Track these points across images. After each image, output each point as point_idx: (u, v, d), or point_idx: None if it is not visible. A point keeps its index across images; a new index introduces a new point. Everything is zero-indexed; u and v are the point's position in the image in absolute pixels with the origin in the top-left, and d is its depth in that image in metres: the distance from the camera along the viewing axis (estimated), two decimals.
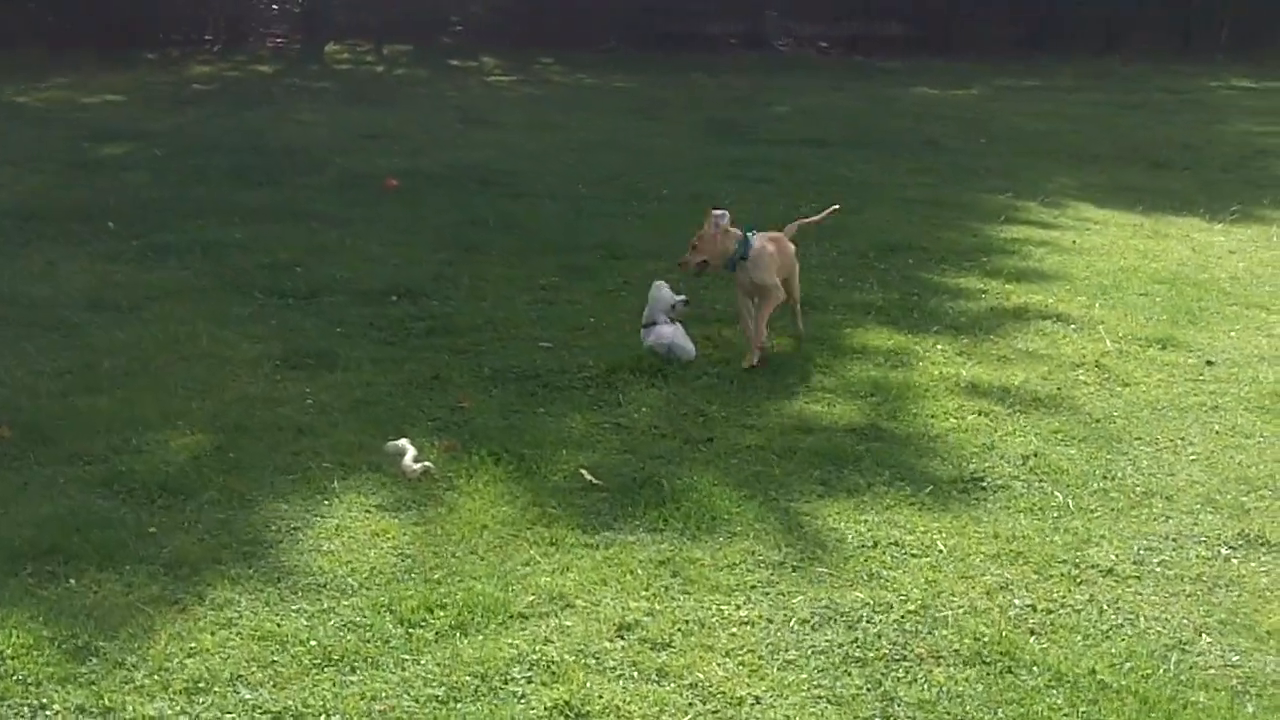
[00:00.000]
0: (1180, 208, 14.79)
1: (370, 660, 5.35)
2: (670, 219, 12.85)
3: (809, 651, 5.45)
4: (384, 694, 5.08)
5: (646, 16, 29.11)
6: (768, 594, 5.93)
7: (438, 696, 5.09)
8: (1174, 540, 6.23)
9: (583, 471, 7.04)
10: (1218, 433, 7.95)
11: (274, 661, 5.33)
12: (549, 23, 28.79)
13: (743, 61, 28.41)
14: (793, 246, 8.87)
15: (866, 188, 15.18)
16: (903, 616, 5.74)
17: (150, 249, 11.20)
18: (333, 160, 15.24)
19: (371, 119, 18.36)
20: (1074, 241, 12.80)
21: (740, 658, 5.41)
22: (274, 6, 28.83)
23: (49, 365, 8.42)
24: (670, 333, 8.71)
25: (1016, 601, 5.89)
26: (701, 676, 5.26)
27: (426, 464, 7.05)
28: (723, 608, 5.80)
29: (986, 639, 5.54)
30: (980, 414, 8.11)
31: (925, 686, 5.21)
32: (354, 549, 6.25)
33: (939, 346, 9.25)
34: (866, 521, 6.64)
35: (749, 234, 8.40)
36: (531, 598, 5.84)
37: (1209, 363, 9.08)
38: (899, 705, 5.10)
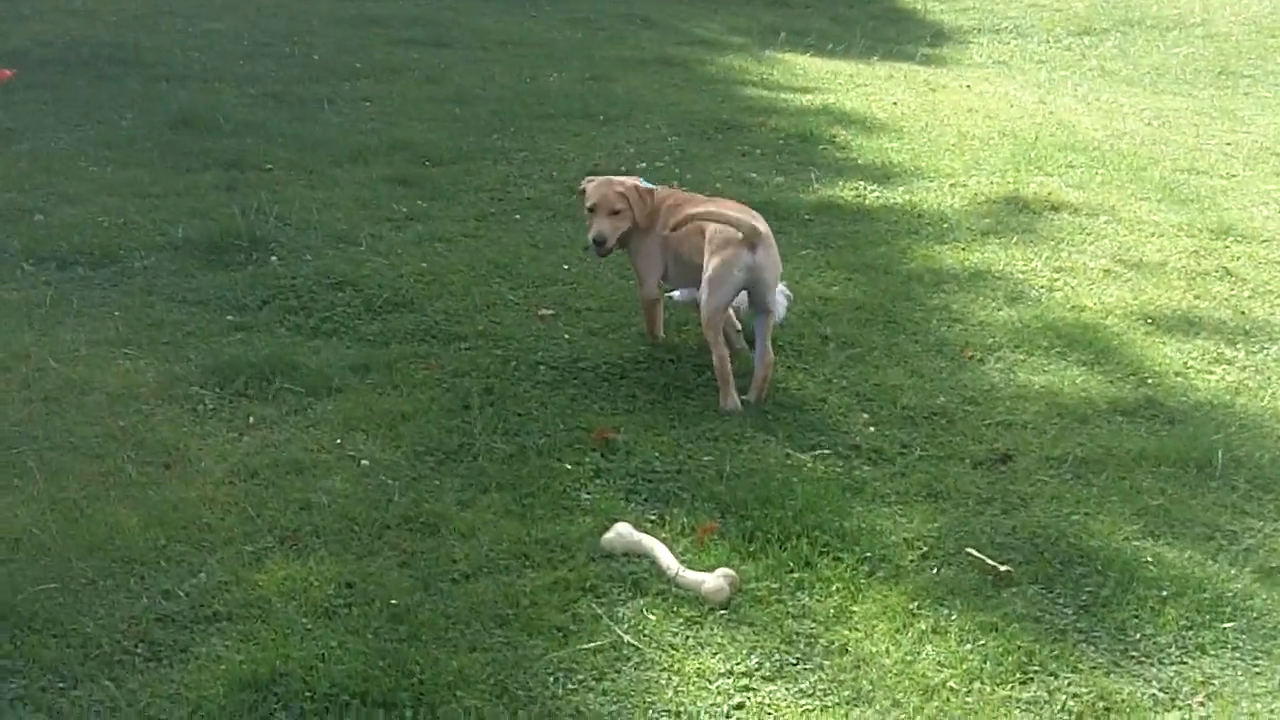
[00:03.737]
0: (881, 52, 13.55)
1: None
2: (414, 105, 10.38)
3: None
4: None
5: None
6: None
7: None
8: None
9: (970, 552, 4.39)
10: None
11: None
12: None
13: None
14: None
15: (563, 47, 12.62)
16: None
17: None
18: None
19: None
20: (894, 104, 11.01)
21: None
22: None
23: None
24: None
25: None
26: None
27: (728, 573, 4.18)
28: None
29: None
30: (1217, 361, 6.33)
31: None
32: None
33: (1023, 266, 7.32)
34: None
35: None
36: None
37: None
38: None
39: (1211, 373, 6.08)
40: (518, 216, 7.73)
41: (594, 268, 6.88)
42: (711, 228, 5.44)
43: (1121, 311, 6.64)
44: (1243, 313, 6.73)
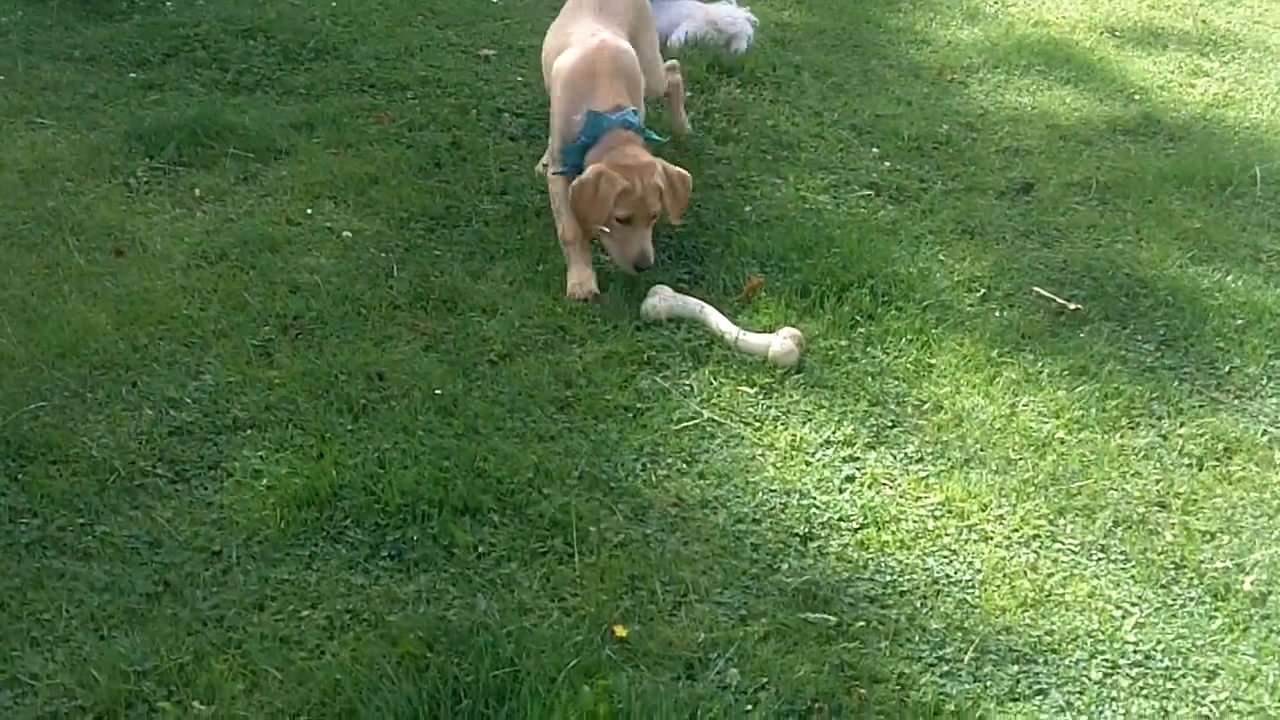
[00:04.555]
0: None
1: None
2: None
3: None
4: None
5: None
6: None
7: None
8: None
9: (1038, 291, 4.13)
10: None
11: None
12: None
13: None
14: None
15: None
16: None
17: None
18: None
19: None
20: None
21: None
22: None
23: None
24: (729, 13, 5.56)
25: None
26: None
27: (792, 332, 3.87)
28: None
29: None
30: (1195, 73, 6.33)
31: None
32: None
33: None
34: None
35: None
36: None
37: None
38: None
39: (1193, 85, 5.82)
40: None
41: (522, 1, 6.23)
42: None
43: (1086, 26, 6.31)
44: (1203, 21, 6.47)
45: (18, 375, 3.58)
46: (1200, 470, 3.53)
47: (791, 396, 3.70)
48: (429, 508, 3.20)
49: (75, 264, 4.09)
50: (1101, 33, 6.17)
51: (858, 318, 4.00)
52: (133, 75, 5.32)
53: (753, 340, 3.87)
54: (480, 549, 3.11)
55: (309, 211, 4.43)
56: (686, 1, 5.78)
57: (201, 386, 3.61)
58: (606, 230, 4.06)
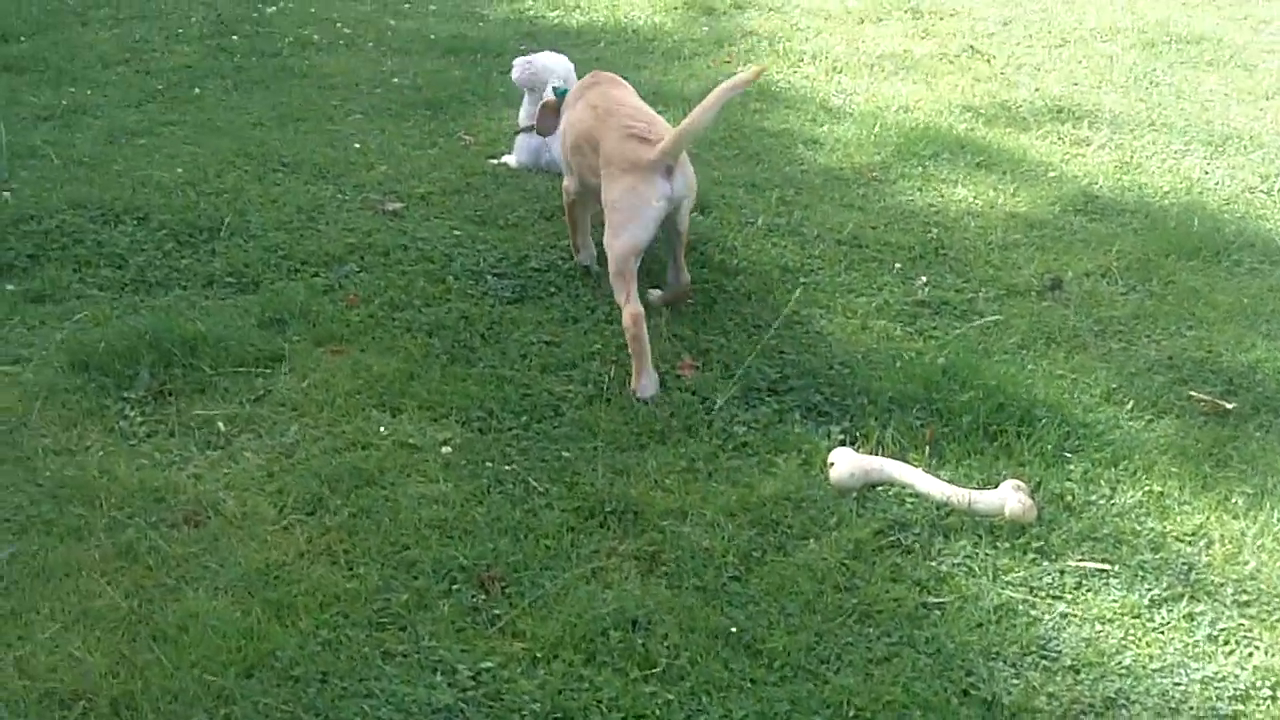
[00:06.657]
0: None
1: None
2: None
3: None
4: None
5: None
6: None
7: None
8: None
9: (1193, 395, 4.05)
10: None
11: None
12: None
13: None
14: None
15: None
16: None
17: None
18: None
19: None
20: None
21: None
22: None
23: None
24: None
25: None
26: None
27: (1017, 483, 3.61)
28: None
29: None
30: (1076, 143, 6.21)
31: None
32: None
33: (786, 70, 6.62)
34: None
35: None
36: None
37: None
38: None
39: (1084, 155, 5.87)
40: (197, 90, 6.20)
41: (378, 140, 5.58)
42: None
43: (946, 108, 6.34)
44: (1037, 89, 6.54)
45: (227, 713, 2.71)
46: None
47: (1069, 556, 3.34)
48: None
49: (152, 546, 3.22)
50: (964, 112, 6.15)
51: (1065, 454, 3.69)
52: (10, 287, 4.33)
53: (986, 499, 3.49)
54: None
55: (380, 429, 3.67)
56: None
57: (456, 681, 2.89)
58: None
